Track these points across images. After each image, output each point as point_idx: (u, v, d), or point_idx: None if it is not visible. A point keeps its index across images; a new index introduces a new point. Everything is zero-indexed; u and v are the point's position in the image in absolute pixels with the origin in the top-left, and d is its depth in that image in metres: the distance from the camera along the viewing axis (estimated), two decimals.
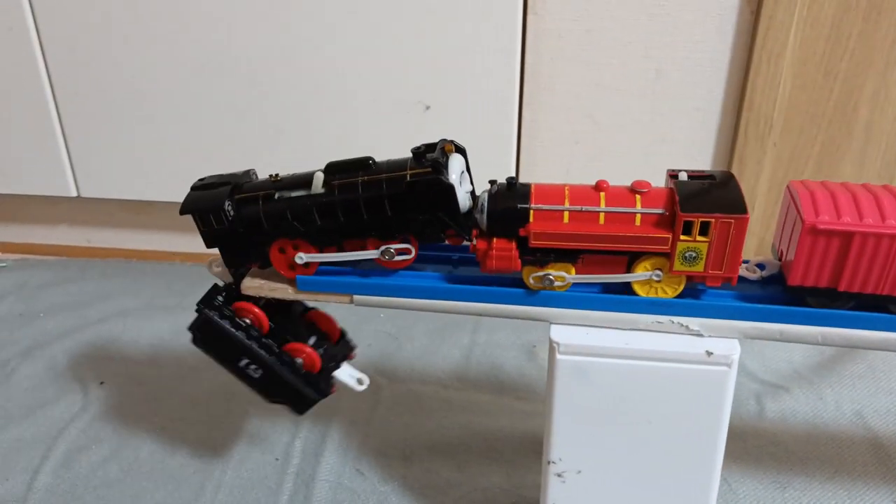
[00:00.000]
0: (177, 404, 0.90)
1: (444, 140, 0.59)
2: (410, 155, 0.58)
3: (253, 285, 0.64)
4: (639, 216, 0.55)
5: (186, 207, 0.61)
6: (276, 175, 0.62)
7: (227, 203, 0.60)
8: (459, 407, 0.90)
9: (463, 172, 0.58)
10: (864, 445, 0.83)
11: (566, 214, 0.56)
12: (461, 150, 0.60)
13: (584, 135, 1.06)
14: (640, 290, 0.57)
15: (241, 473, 0.80)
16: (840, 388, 0.92)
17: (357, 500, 0.77)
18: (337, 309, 1.08)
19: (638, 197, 0.55)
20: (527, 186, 0.57)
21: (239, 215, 0.60)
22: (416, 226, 0.58)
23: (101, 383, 0.93)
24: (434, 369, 0.97)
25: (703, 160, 1.05)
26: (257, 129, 1.09)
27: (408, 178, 0.56)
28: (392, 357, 1.00)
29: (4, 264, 1.19)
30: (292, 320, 0.70)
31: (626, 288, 0.58)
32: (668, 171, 0.58)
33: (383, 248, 0.59)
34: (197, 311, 0.64)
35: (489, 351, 1.01)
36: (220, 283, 0.67)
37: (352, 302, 0.62)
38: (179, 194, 1.13)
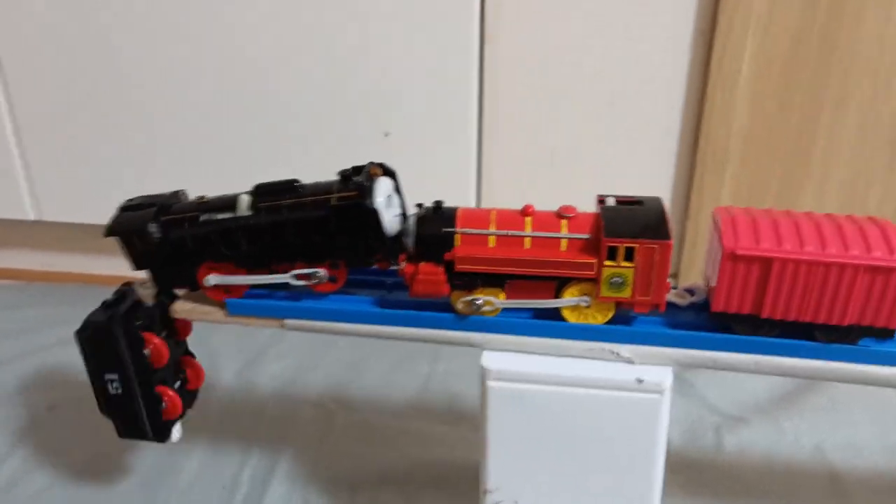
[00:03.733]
0: None
1: (372, 163, 0.59)
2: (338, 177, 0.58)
3: (184, 308, 0.63)
4: (564, 241, 0.55)
5: (111, 229, 0.61)
6: (203, 197, 0.61)
7: (151, 225, 0.59)
8: (413, 437, 0.88)
9: (390, 196, 0.58)
10: (823, 480, 0.82)
11: (492, 238, 0.55)
12: (390, 174, 0.60)
13: (543, 163, 1.06)
14: (570, 316, 0.57)
15: (187, 502, 0.78)
16: (801, 420, 0.91)
17: None
18: (295, 335, 1.08)
19: (564, 222, 0.55)
20: (452, 210, 0.57)
21: (165, 237, 0.60)
22: (343, 249, 0.57)
23: (50, 409, 0.92)
24: (391, 399, 0.96)
25: (663, 189, 1.05)
26: (217, 154, 1.09)
27: (332, 201, 0.56)
28: (349, 386, 0.98)
29: None
30: (174, 355, 0.69)
31: (558, 314, 0.57)
32: (598, 195, 0.58)
33: (310, 270, 0.58)
34: (108, 319, 0.63)
35: (448, 380, 1.00)
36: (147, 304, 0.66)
37: (283, 326, 0.61)
38: None
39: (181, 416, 0.69)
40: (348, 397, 0.96)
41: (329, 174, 0.61)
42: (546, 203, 0.57)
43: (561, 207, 0.56)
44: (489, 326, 0.58)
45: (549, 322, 0.57)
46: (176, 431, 0.69)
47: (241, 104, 1.06)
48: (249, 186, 0.61)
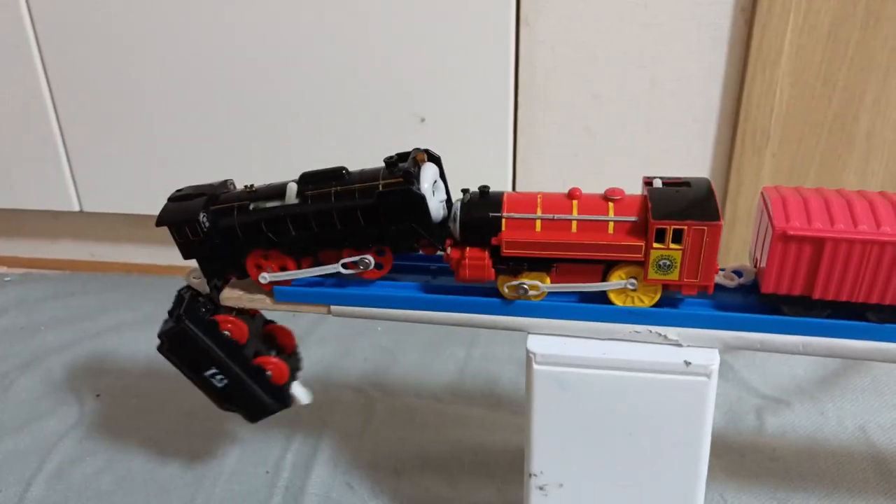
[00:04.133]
0: (171, 417, 0.90)
1: (417, 149, 0.59)
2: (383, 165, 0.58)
3: (232, 296, 0.64)
4: (611, 224, 0.54)
5: (162, 219, 0.62)
6: (252, 186, 0.62)
7: (202, 214, 0.60)
8: (453, 421, 0.89)
9: (436, 181, 0.58)
10: (866, 461, 0.81)
11: (538, 223, 0.55)
12: (435, 159, 0.60)
13: (580, 147, 1.06)
14: (616, 300, 0.57)
15: (231, 486, 0.80)
16: (843, 402, 0.90)
17: None
18: (333, 321, 1.09)
19: (611, 205, 0.55)
20: (499, 195, 0.57)
21: (215, 226, 0.61)
22: (390, 236, 0.58)
23: (97, 396, 0.94)
24: (429, 383, 0.97)
25: (701, 170, 1.04)
26: (257, 142, 1.10)
27: (379, 188, 0.56)
28: (387, 371, 0.99)
29: (8, 278, 1.21)
30: (256, 330, 0.70)
31: (604, 297, 0.57)
32: (644, 178, 0.57)
33: (357, 258, 0.59)
34: (175, 320, 0.64)
35: (485, 365, 1.00)
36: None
37: (329, 312, 0.62)
38: None
39: (293, 378, 0.70)
40: (387, 382, 0.97)
41: (366, 161, 0.61)
42: (584, 186, 0.57)
43: (607, 190, 0.55)
44: (534, 310, 0.58)
45: (594, 305, 0.57)
46: (301, 393, 0.70)
47: (279, 92, 1.06)
48: (292, 175, 0.62)
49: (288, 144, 1.10)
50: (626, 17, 0.96)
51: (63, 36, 1.07)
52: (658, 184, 0.56)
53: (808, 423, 0.87)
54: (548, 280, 0.57)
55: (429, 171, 0.58)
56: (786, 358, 0.95)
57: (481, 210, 0.56)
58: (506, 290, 0.57)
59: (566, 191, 0.57)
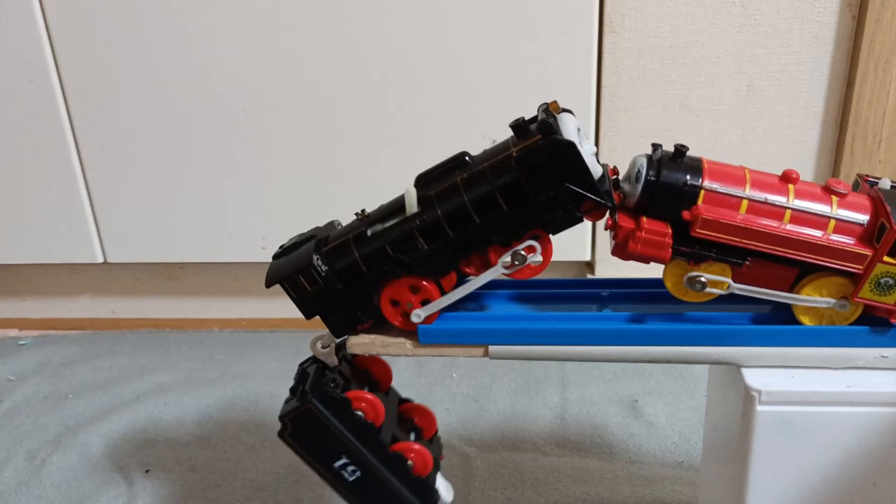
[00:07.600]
0: (237, 491, 0.77)
1: (545, 103, 0.49)
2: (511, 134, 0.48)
3: (362, 342, 0.52)
4: (833, 222, 0.45)
5: (272, 277, 0.50)
6: (363, 211, 0.51)
7: (315, 258, 0.49)
8: (568, 476, 0.78)
9: (580, 130, 0.47)
10: None
11: (744, 203, 0.45)
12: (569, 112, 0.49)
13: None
14: (804, 316, 0.47)
15: None
16: None
17: None
18: (401, 367, 0.97)
19: (835, 199, 0.45)
20: (697, 160, 0.46)
21: (333, 269, 0.49)
22: (543, 210, 0.47)
23: (147, 471, 0.80)
24: (527, 433, 0.85)
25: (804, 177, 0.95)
26: (298, 175, 0.99)
27: (513, 155, 0.46)
28: (475, 422, 0.87)
29: (23, 342, 1.07)
30: (390, 410, 0.58)
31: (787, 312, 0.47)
32: (860, 175, 0.48)
33: (513, 251, 0.47)
34: (300, 398, 0.52)
35: (584, 409, 0.89)
36: (331, 364, 0.55)
37: (486, 355, 0.51)
38: (213, 254, 1.03)
39: (436, 468, 0.58)
40: (479, 435, 0.85)
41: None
42: None
43: (829, 180, 0.46)
44: (748, 338, 0.47)
45: (824, 328, 0.47)
46: (443, 488, 0.57)
47: (326, 122, 0.96)
48: (352, 209, 0.52)
49: (340, 177, 0.99)
50: (721, 19, 0.89)
51: (88, 77, 0.96)
52: (886, 184, 0.46)
53: None
54: (730, 277, 0.46)
55: (569, 121, 0.47)
56: None
57: (675, 173, 0.45)
58: (674, 280, 0.47)
59: None
